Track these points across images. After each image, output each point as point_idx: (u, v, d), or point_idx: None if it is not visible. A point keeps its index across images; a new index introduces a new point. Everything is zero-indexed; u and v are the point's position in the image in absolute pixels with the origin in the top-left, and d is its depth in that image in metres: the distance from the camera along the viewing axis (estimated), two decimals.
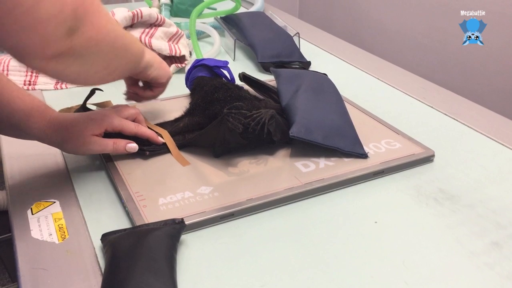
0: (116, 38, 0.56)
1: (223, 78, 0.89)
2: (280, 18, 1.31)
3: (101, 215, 0.62)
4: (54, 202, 0.64)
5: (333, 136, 0.72)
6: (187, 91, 0.92)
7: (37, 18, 0.44)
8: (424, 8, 1.61)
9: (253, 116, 0.68)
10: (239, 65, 1.12)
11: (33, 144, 0.67)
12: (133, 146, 0.69)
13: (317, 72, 0.96)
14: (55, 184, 0.67)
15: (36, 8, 0.43)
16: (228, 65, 0.89)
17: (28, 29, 0.44)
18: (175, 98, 0.91)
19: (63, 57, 0.48)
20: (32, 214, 0.62)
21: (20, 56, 0.47)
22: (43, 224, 0.60)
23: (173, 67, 1.07)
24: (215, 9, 1.37)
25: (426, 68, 1.63)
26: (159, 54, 1.07)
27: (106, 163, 0.70)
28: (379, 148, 0.74)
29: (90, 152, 0.67)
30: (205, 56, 1.09)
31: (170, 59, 1.10)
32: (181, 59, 1.09)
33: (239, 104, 0.69)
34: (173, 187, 0.65)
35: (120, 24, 1.04)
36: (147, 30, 1.08)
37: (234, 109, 0.66)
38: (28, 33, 0.44)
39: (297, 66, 1.09)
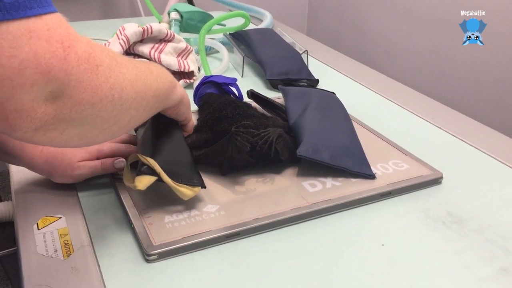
0: (123, 89, 0.47)
1: (231, 95, 0.89)
2: (289, 35, 1.32)
3: (107, 232, 0.61)
4: (60, 217, 0.64)
5: (340, 156, 0.72)
6: (195, 107, 0.92)
7: None
8: (430, 25, 1.61)
9: (261, 135, 0.68)
10: (247, 82, 1.13)
11: None
12: (120, 161, 0.68)
13: (325, 90, 0.96)
14: (62, 199, 0.67)
15: None
16: (237, 82, 0.89)
17: None
18: None
19: (50, 126, 0.41)
20: (38, 229, 0.61)
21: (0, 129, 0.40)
22: (48, 240, 0.59)
23: (182, 82, 1.07)
24: (224, 25, 1.38)
25: (433, 85, 1.62)
26: (168, 69, 1.07)
27: (113, 179, 0.70)
28: (386, 168, 0.74)
29: (80, 177, 0.67)
30: (213, 72, 1.10)
31: (179, 74, 1.10)
32: (189, 74, 1.09)
33: (247, 123, 0.69)
34: (180, 205, 0.64)
35: (130, 39, 1.05)
36: (156, 45, 1.09)
37: (242, 128, 0.67)
38: None
39: (305, 84, 1.09)
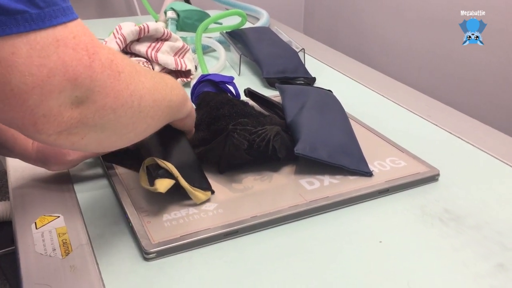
0: (142, 97, 0.48)
1: (229, 94, 0.89)
2: (285, 34, 1.32)
3: (105, 230, 0.61)
4: (59, 216, 0.64)
5: (338, 154, 0.72)
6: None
7: (17, 92, 0.38)
8: (428, 24, 1.62)
9: (258, 133, 0.68)
10: (244, 80, 1.13)
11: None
12: None
13: (322, 88, 0.96)
14: (60, 198, 0.67)
15: (14, 82, 0.37)
16: (234, 81, 0.89)
17: (15, 106, 0.38)
18: None
19: (74, 129, 0.43)
20: (36, 228, 0.61)
21: (24, 133, 0.42)
22: (47, 239, 0.59)
23: (179, 81, 1.07)
24: (221, 24, 1.37)
25: (430, 83, 1.63)
26: (165, 68, 1.07)
27: (111, 178, 0.70)
28: (384, 166, 0.74)
29: (73, 163, 0.68)
30: (210, 71, 1.10)
31: (176, 73, 1.10)
32: (186, 73, 1.09)
33: (244, 120, 0.69)
34: (178, 203, 0.64)
35: (127, 38, 1.05)
36: (153, 44, 1.09)
37: (239, 126, 0.67)
38: (16, 111, 0.39)
39: (302, 82, 1.10)
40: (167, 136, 0.69)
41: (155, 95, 0.51)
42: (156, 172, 0.61)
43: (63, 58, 0.39)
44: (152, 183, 0.60)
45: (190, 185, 0.63)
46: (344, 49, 1.84)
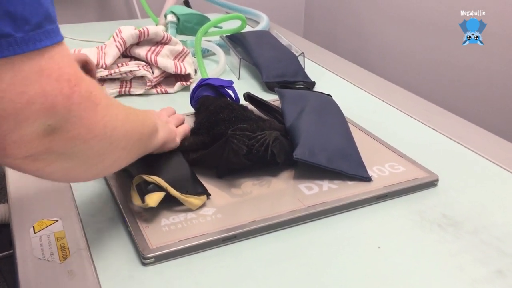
0: (115, 129, 0.48)
1: (228, 98, 0.90)
2: (285, 37, 1.32)
3: (103, 235, 0.61)
4: (57, 220, 0.64)
5: (337, 159, 0.72)
6: (191, 109, 0.92)
7: None
8: (427, 26, 1.62)
9: (257, 138, 0.68)
10: (244, 84, 1.13)
11: None
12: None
13: (322, 93, 0.96)
14: (58, 202, 0.67)
15: None
16: (233, 85, 0.89)
17: None
18: None
19: (41, 156, 0.42)
20: (35, 232, 0.61)
21: None
22: (45, 243, 0.59)
23: (178, 85, 1.07)
24: (220, 27, 1.38)
25: (429, 86, 1.63)
26: (164, 72, 1.08)
27: (109, 182, 0.70)
28: (382, 171, 0.74)
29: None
30: (210, 75, 1.10)
31: (175, 77, 1.11)
32: (186, 77, 1.10)
33: (244, 125, 0.69)
34: (176, 208, 0.64)
35: (127, 42, 1.05)
36: (153, 48, 1.09)
37: (239, 131, 0.67)
38: None
39: (302, 86, 1.10)
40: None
41: (126, 127, 0.51)
42: (145, 188, 0.61)
43: (44, 87, 0.38)
44: (143, 199, 0.60)
45: (182, 193, 0.63)
46: (343, 52, 1.84)
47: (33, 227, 0.62)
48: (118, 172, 0.71)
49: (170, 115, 0.76)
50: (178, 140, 0.70)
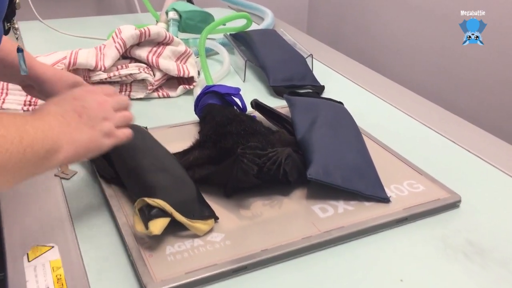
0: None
1: (235, 107, 0.85)
2: (291, 36, 1.27)
3: (103, 264, 0.57)
4: (53, 246, 0.59)
5: (353, 178, 0.67)
6: (195, 116, 0.87)
7: None
8: (435, 25, 1.56)
9: (268, 155, 0.63)
10: (250, 87, 1.08)
11: (31, 182, 0.63)
12: None
13: (333, 100, 0.91)
14: (54, 226, 0.62)
15: None
16: (240, 92, 0.84)
17: None
18: (183, 125, 0.87)
19: None
20: (29, 261, 0.57)
21: None
22: (39, 274, 0.55)
23: (181, 88, 1.02)
24: (224, 24, 1.32)
25: (436, 84, 1.58)
26: (166, 75, 1.02)
27: (110, 204, 0.65)
28: (401, 190, 0.69)
29: None
30: (214, 77, 1.05)
31: (178, 80, 1.05)
32: (189, 80, 1.04)
33: (254, 144, 0.64)
34: (182, 232, 0.60)
35: (127, 43, 1.00)
36: (154, 48, 1.04)
37: (249, 149, 0.62)
38: None
39: (310, 91, 1.05)
40: (158, 165, 0.66)
41: (18, 148, 0.47)
42: (149, 213, 0.56)
43: None
44: (146, 225, 0.56)
45: (188, 217, 0.58)
46: (348, 49, 1.79)
47: (27, 254, 0.58)
48: (119, 192, 0.67)
49: (110, 95, 0.62)
50: (109, 142, 0.59)
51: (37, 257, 0.57)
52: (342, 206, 0.66)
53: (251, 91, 1.05)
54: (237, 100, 0.85)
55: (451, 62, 1.52)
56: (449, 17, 1.47)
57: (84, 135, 0.56)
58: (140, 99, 1.00)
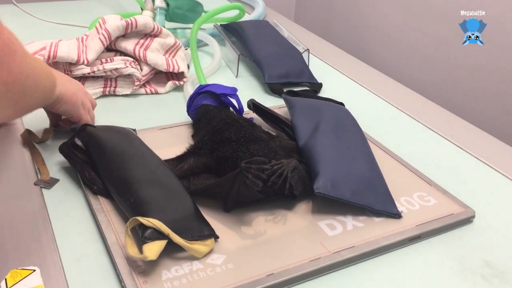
0: (28, 77, 0.53)
1: (231, 108, 0.79)
2: (283, 27, 1.21)
3: None
4: (34, 270, 0.53)
5: (362, 192, 0.62)
6: (186, 115, 0.81)
7: None
8: (431, 20, 1.52)
9: (273, 168, 0.58)
10: (243, 83, 1.02)
11: (8, 193, 0.56)
12: None
13: (333, 101, 0.86)
14: (36, 246, 0.56)
15: None
16: (237, 93, 0.79)
17: None
18: (174, 127, 0.81)
19: None
20: (7, 287, 0.51)
21: None
22: None
23: (170, 84, 0.96)
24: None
25: (430, 78, 1.54)
26: (154, 69, 0.96)
27: (97, 220, 0.59)
28: (412, 204, 0.65)
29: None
30: (204, 72, 0.98)
31: (167, 75, 0.99)
32: (179, 75, 0.98)
33: (260, 159, 0.58)
34: (179, 254, 0.54)
35: (112, 34, 0.93)
36: (141, 41, 0.97)
37: (254, 164, 0.56)
38: None
39: (308, 88, 0.99)
40: (150, 176, 0.60)
41: (36, 76, 0.56)
42: (143, 235, 0.51)
43: None
44: (140, 249, 0.50)
45: (186, 237, 0.53)
46: (338, 38, 1.74)
47: (5, 279, 0.51)
48: (107, 204, 0.61)
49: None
50: (83, 111, 0.73)
51: (16, 282, 0.51)
52: (350, 222, 0.61)
53: (245, 88, 0.99)
54: (233, 100, 0.79)
55: (451, 62, 1.49)
56: (449, 17, 1.44)
57: (72, 87, 0.71)
58: (127, 95, 0.93)
